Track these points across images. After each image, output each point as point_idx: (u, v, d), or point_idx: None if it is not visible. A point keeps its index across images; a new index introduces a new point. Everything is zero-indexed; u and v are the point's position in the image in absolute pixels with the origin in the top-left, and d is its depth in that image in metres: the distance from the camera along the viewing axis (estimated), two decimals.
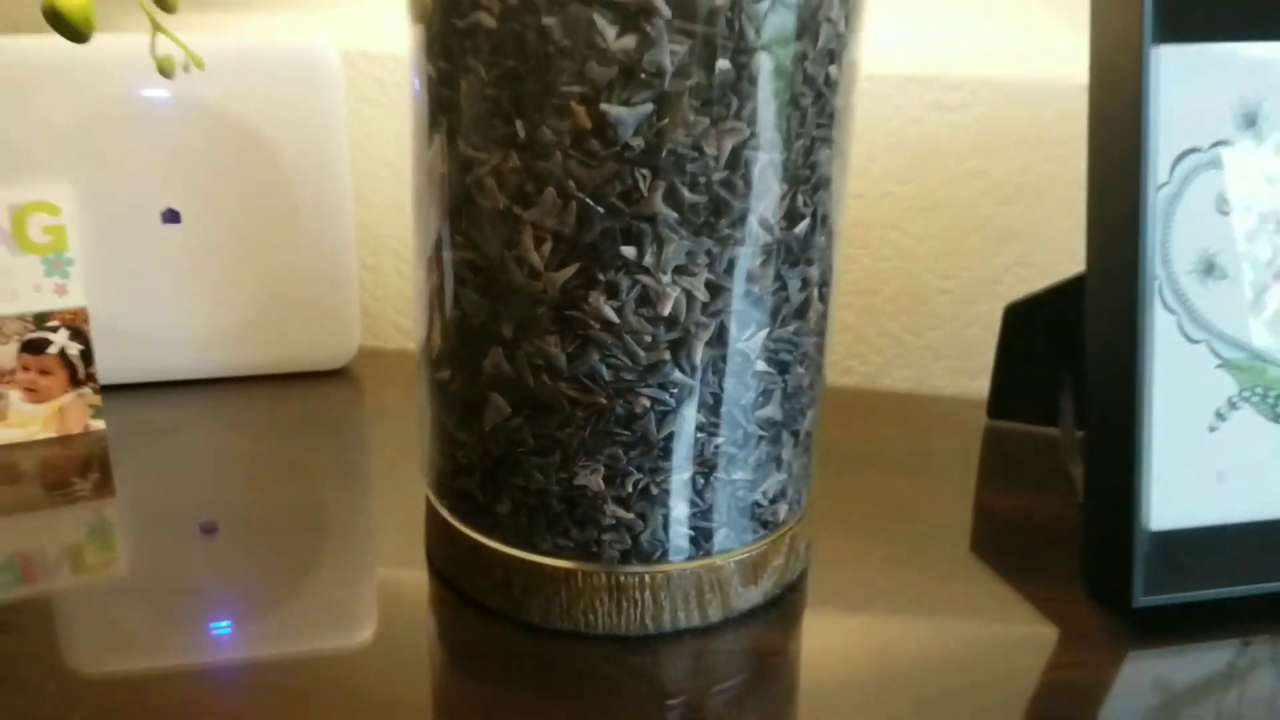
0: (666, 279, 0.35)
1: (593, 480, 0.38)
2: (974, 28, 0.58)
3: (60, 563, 0.45)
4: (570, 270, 0.35)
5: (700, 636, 0.40)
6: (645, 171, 0.34)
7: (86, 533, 0.47)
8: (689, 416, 0.37)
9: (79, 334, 0.53)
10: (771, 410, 0.38)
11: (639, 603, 0.39)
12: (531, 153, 0.34)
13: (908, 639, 0.41)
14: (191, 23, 0.42)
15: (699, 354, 0.36)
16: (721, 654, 0.39)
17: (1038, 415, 0.53)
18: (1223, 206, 0.41)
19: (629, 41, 0.33)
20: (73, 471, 0.51)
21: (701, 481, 0.38)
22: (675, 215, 0.35)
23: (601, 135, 0.34)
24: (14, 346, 0.52)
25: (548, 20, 0.33)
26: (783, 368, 0.38)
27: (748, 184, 0.35)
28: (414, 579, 0.44)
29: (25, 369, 0.52)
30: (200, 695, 0.38)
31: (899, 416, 0.58)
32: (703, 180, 0.34)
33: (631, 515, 0.38)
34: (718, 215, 0.35)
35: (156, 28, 0.40)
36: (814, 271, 0.38)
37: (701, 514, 0.39)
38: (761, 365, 0.38)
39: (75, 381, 0.53)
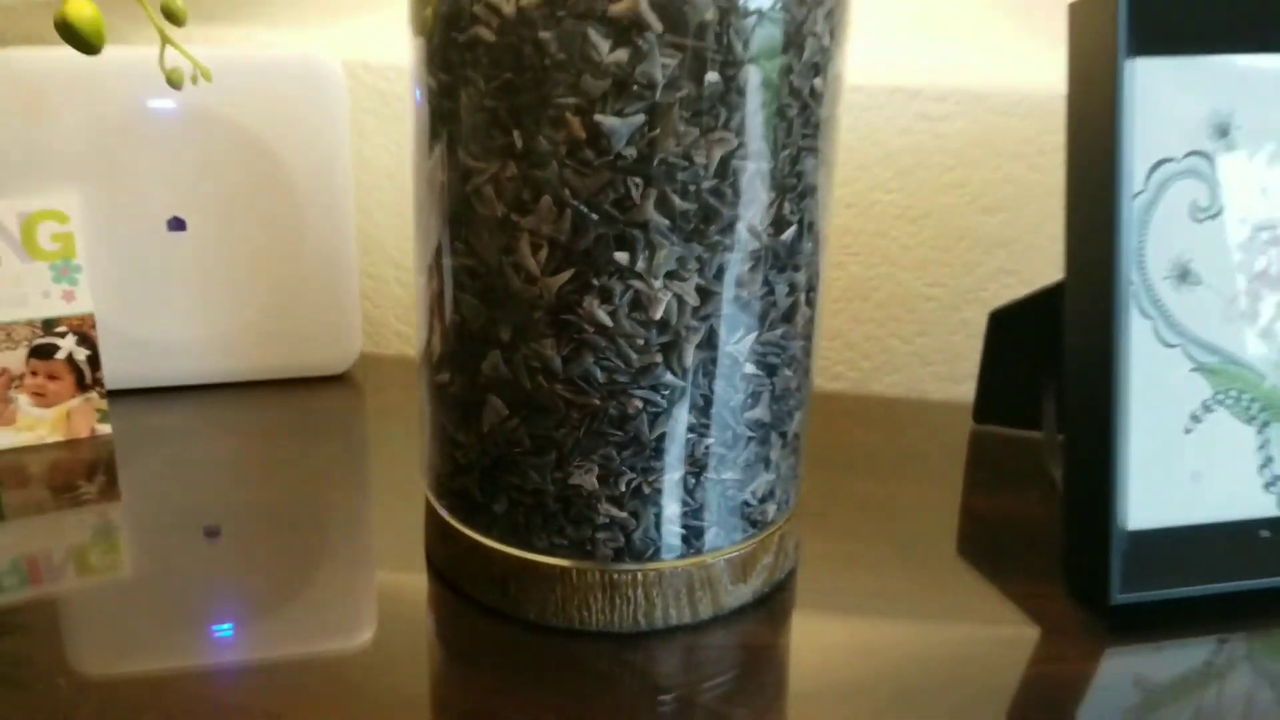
0: (658, 284, 0.36)
1: (587, 480, 0.38)
2: (959, 41, 0.58)
3: (66, 564, 0.45)
4: (565, 275, 0.36)
5: (691, 633, 0.40)
6: (638, 180, 0.35)
7: (92, 535, 0.47)
8: (680, 418, 0.38)
9: (86, 339, 0.53)
10: (760, 412, 0.39)
11: (632, 600, 0.40)
12: (528, 162, 0.35)
13: (892, 635, 0.41)
14: (198, 35, 0.43)
15: (690, 357, 0.37)
16: (712, 650, 0.40)
17: (1022, 419, 0.54)
18: (1197, 214, 0.41)
19: (621, 55, 0.33)
20: (79, 475, 0.51)
21: (692, 481, 0.39)
22: (666, 222, 0.35)
23: (595, 145, 0.34)
24: (23, 351, 0.52)
25: (544, 34, 0.34)
26: (771, 370, 0.39)
27: (736, 192, 0.36)
28: (413, 577, 0.44)
29: (34, 374, 0.52)
30: (204, 695, 0.38)
31: (888, 421, 0.58)
32: (693, 188, 0.35)
33: (624, 514, 0.39)
34: (707, 222, 0.36)
35: (165, 40, 0.40)
36: (801, 277, 0.39)
37: (692, 513, 0.39)
38: (750, 368, 0.38)
39: (82, 386, 0.53)
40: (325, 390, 0.59)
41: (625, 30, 0.33)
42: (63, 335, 0.53)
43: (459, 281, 0.38)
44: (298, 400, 0.58)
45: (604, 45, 0.33)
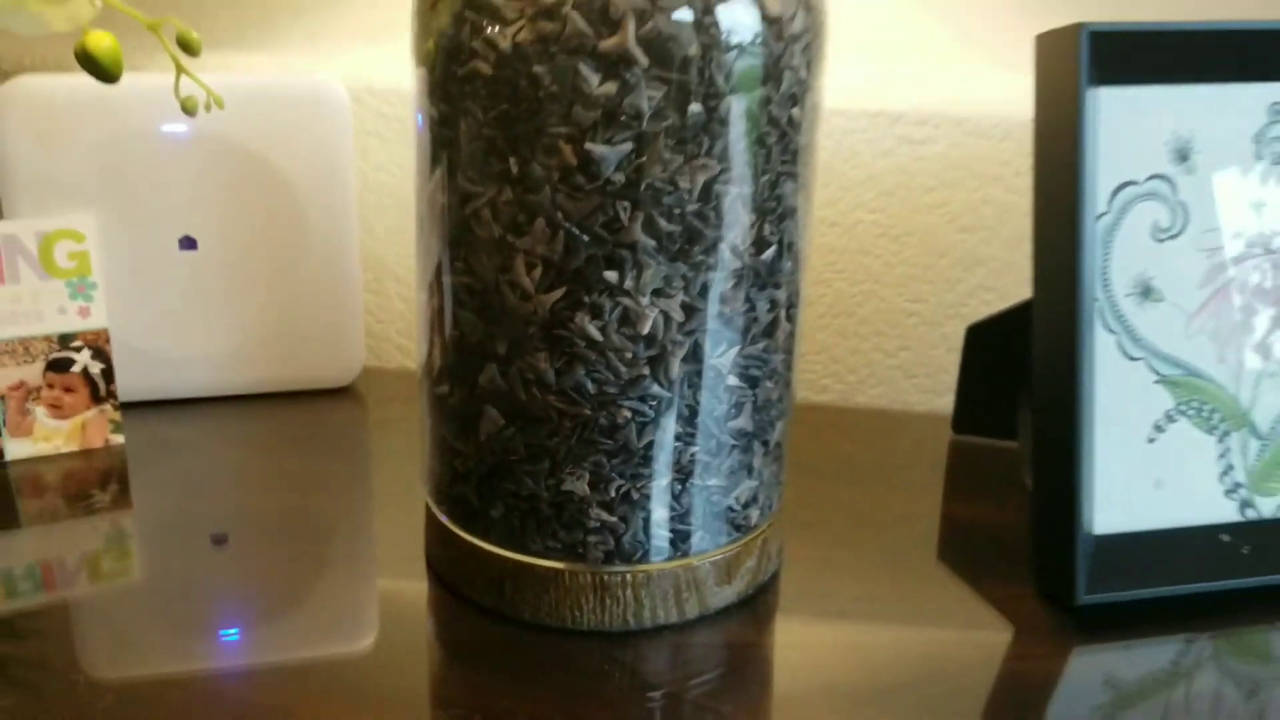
0: (645, 301, 0.37)
1: (579, 486, 0.39)
2: (937, 69, 0.60)
3: (79, 570, 0.46)
4: (558, 293, 0.37)
5: (678, 632, 0.41)
6: (626, 204, 0.36)
7: (104, 542, 0.48)
8: (667, 427, 0.39)
9: (101, 353, 0.54)
10: (743, 421, 0.40)
11: (622, 600, 0.41)
12: (524, 187, 0.36)
13: (872, 634, 0.42)
14: (209, 63, 0.43)
15: (675, 369, 0.38)
16: (698, 648, 0.41)
17: (998, 429, 0.55)
18: (1158, 234, 0.43)
19: (610, 88, 0.35)
20: (93, 483, 0.52)
21: (679, 487, 0.40)
22: (653, 243, 0.37)
23: (586, 171, 0.36)
24: (40, 365, 0.53)
25: (538, 69, 0.35)
26: (753, 382, 0.40)
27: (719, 215, 0.37)
28: (414, 580, 0.45)
29: (50, 386, 0.53)
30: (213, 695, 0.38)
31: (871, 431, 0.59)
32: (678, 211, 0.36)
33: (614, 518, 0.40)
34: (692, 243, 0.37)
35: (180, 70, 0.41)
36: (781, 294, 0.40)
37: (679, 517, 0.40)
38: (733, 380, 0.40)
39: (97, 398, 0.54)
40: (329, 402, 0.60)
41: (614, 64, 0.35)
42: (78, 350, 0.53)
43: (458, 298, 0.40)
44: (303, 412, 0.59)
45: (594, 79, 0.35)
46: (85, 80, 0.40)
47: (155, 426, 0.56)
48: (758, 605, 0.44)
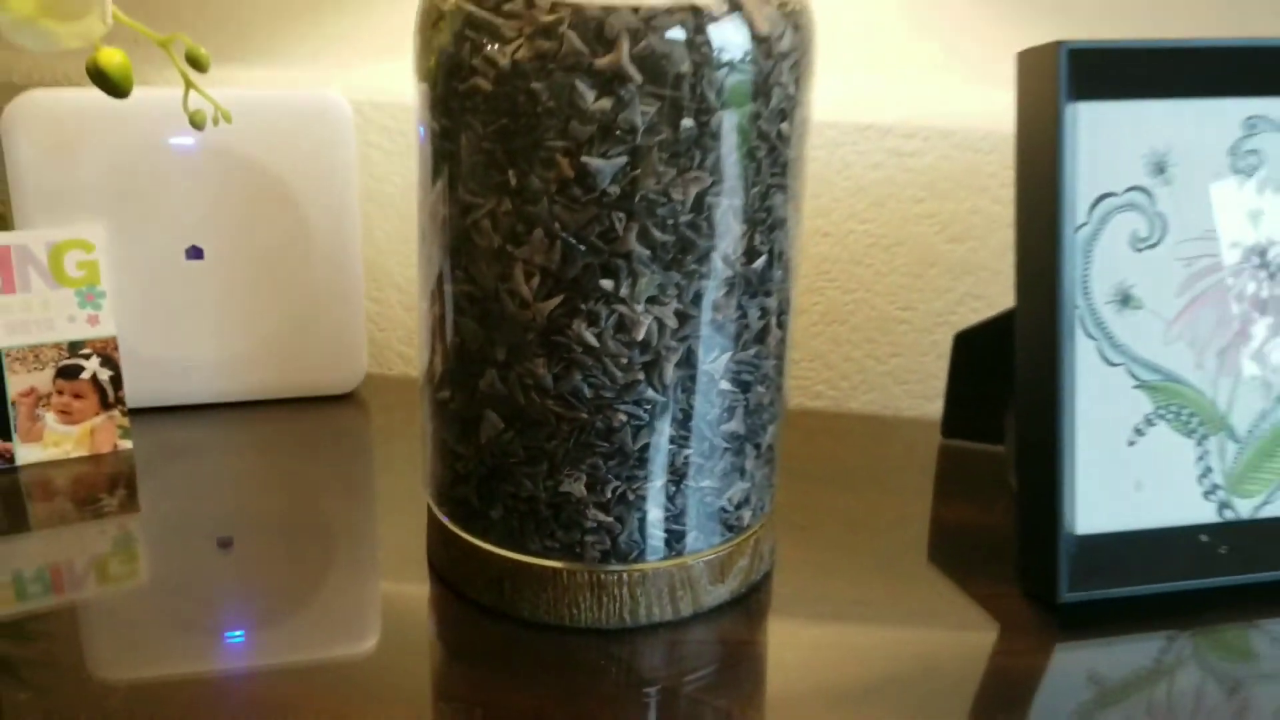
0: (640, 308, 0.38)
1: (576, 487, 0.40)
2: (926, 83, 0.61)
3: (88, 573, 0.47)
4: (556, 301, 0.38)
5: (673, 629, 0.42)
6: (621, 215, 0.37)
7: (112, 545, 0.49)
8: (661, 430, 0.40)
9: (109, 361, 0.54)
10: (735, 425, 0.41)
11: (618, 598, 0.42)
12: (522, 198, 0.38)
13: (864, 632, 0.43)
14: (216, 78, 0.43)
15: (669, 375, 0.39)
16: (692, 645, 0.42)
17: (986, 434, 0.55)
18: (1137, 244, 0.45)
19: (606, 103, 0.36)
20: (101, 488, 0.52)
21: (673, 489, 0.41)
22: (647, 253, 0.38)
23: (583, 184, 0.37)
24: (50, 372, 0.53)
25: (536, 85, 0.36)
26: (745, 387, 0.41)
27: (711, 225, 0.38)
28: (416, 580, 0.46)
29: (60, 393, 0.53)
30: (220, 693, 0.39)
31: (864, 436, 0.60)
32: (671, 222, 0.38)
33: (611, 519, 0.41)
34: (685, 253, 0.38)
35: (189, 86, 0.42)
36: (772, 302, 0.41)
37: (673, 518, 0.41)
38: (726, 385, 0.41)
39: (106, 405, 0.54)
40: (332, 408, 0.60)
41: (609, 81, 0.36)
42: (87, 357, 0.54)
43: (459, 306, 0.41)
44: (306, 418, 0.59)
45: (590, 95, 0.36)
46: (95, 94, 0.41)
47: (162, 432, 0.57)
48: (750, 604, 0.45)
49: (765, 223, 0.40)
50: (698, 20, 0.36)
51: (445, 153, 0.39)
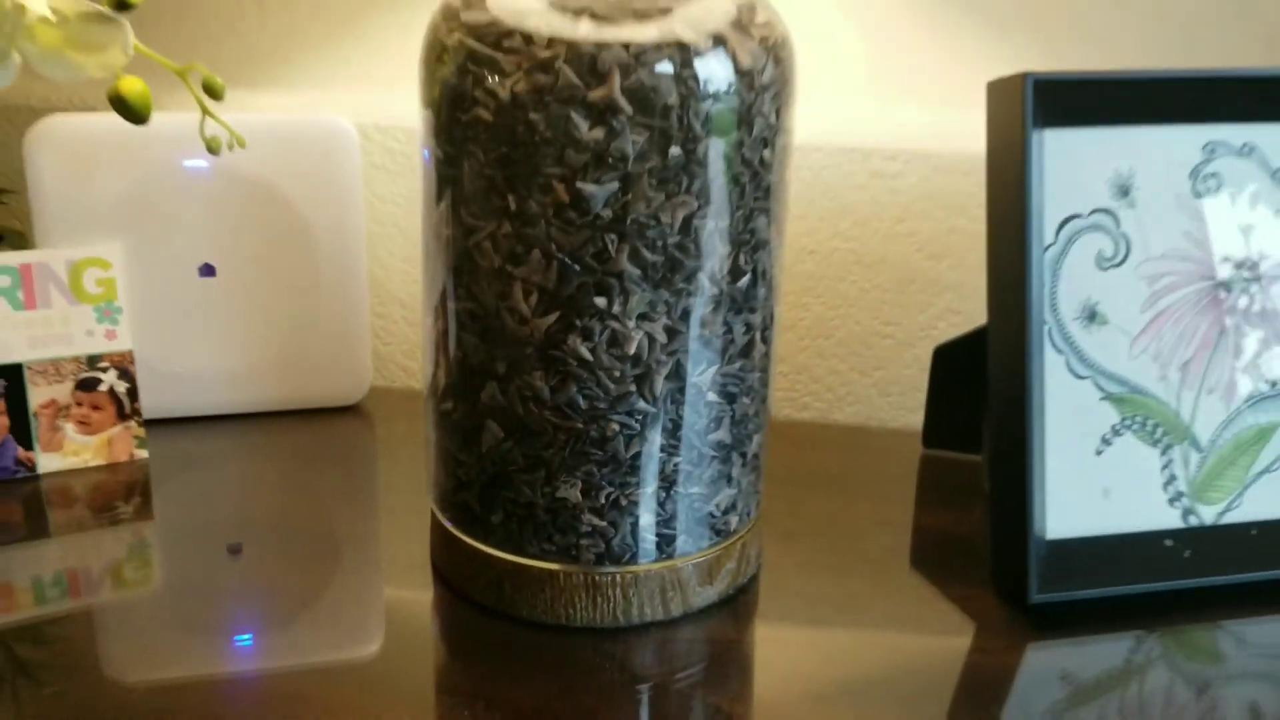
0: (632, 324, 0.40)
1: (572, 493, 0.42)
2: (907, 108, 0.63)
3: (104, 578, 0.48)
4: (552, 317, 0.40)
5: (664, 628, 0.44)
6: (613, 237, 0.39)
7: (127, 551, 0.50)
8: (652, 439, 0.41)
9: (126, 374, 0.55)
10: (722, 434, 0.43)
11: (612, 599, 0.43)
12: (521, 221, 0.39)
13: (846, 632, 0.45)
14: (229, 104, 0.44)
15: (659, 387, 0.41)
16: (683, 643, 0.43)
17: (965, 443, 0.57)
18: (1102, 263, 0.46)
19: (599, 133, 0.38)
20: (118, 496, 0.53)
21: (663, 494, 0.42)
22: (638, 272, 0.39)
23: (577, 208, 0.38)
24: (69, 384, 0.54)
25: (534, 116, 0.38)
26: (731, 398, 0.43)
27: (698, 246, 0.40)
28: (420, 583, 0.47)
29: (79, 404, 0.55)
30: (228, 693, 0.40)
31: (849, 446, 0.61)
32: (660, 244, 0.39)
33: (605, 523, 0.42)
34: (674, 272, 0.40)
35: (206, 113, 0.43)
36: (756, 318, 0.43)
37: (664, 522, 0.43)
38: (713, 396, 0.42)
39: (122, 416, 0.55)
40: (338, 420, 0.61)
41: (602, 113, 0.37)
42: (105, 370, 0.55)
43: (461, 322, 0.42)
44: (314, 429, 0.60)
45: (584, 125, 0.37)
46: (112, 119, 0.42)
47: (177, 442, 0.58)
48: (738, 604, 0.46)
49: (749, 244, 0.41)
50: (684, 55, 0.38)
51: (448, 178, 0.41)
